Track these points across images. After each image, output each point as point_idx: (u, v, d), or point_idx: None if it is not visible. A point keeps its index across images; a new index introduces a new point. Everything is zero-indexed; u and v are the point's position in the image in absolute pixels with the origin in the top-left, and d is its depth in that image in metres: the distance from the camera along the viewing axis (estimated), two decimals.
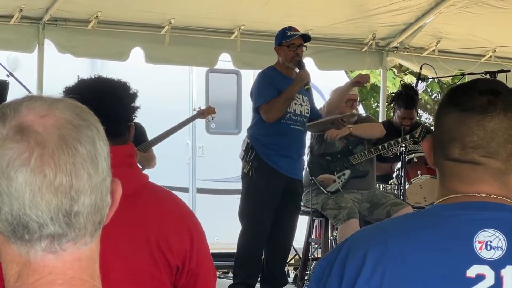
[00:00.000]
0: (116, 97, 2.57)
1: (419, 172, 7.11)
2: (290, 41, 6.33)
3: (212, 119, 7.98)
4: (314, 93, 7.23)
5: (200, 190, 9.34)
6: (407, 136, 6.97)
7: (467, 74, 8.09)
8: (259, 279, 6.68)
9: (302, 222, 7.00)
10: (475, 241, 1.60)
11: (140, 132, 6.41)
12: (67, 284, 1.11)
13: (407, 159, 7.03)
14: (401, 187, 6.98)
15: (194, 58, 8.08)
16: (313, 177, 6.66)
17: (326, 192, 6.61)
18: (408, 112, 7.17)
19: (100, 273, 2.38)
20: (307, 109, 6.44)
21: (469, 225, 1.62)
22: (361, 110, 7.73)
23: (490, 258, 1.59)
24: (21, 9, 6.99)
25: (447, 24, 8.34)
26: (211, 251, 2.64)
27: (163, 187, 2.67)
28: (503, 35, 8.44)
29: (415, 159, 7.13)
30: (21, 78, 6.48)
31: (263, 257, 6.49)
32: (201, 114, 7.80)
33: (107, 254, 2.36)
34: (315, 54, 8.24)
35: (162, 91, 9.05)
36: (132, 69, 7.66)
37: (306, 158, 6.86)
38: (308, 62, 8.24)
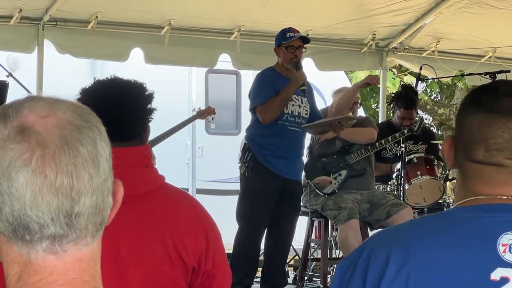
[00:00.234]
0: (133, 99, 2.56)
1: (419, 172, 7.10)
2: (289, 43, 6.33)
3: (212, 119, 7.98)
4: (314, 94, 7.22)
5: (199, 191, 9.33)
6: (405, 131, 6.96)
7: (467, 75, 8.10)
8: (259, 279, 6.69)
9: (302, 223, 7.00)
10: (499, 244, 1.59)
11: None
12: (68, 285, 1.11)
13: (407, 160, 7.03)
14: (401, 188, 6.98)
15: (193, 59, 8.07)
16: (309, 180, 6.66)
17: (322, 194, 6.61)
18: (408, 112, 7.16)
19: (117, 272, 2.40)
20: (306, 110, 6.43)
21: (493, 228, 1.61)
22: (361, 111, 7.72)
23: None
24: (20, 10, 6.99)
25: (447, 25, 8.34)
26: None
27: None
28: (503, 35, 8.44)
29: (415, 160, 7.12)
30: (20, 78, 6.48)
31: (262, 257, 6.50)
32: (201, 114, 7.80)
33: (123, 254, 2.38)
34: (315, 55, 8.24)
35: (162, 92, 8.99)
36: (132, 69, 7.64)
37: (306, 159, 6.87)
38: (308, 63, 8.25)
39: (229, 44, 7.86)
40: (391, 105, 7.45)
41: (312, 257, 7.04)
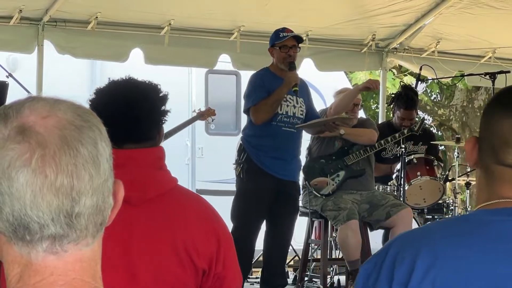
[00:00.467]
0: (148, 100, 2.56)
1: (418, 173, 7.10)
2: (282, 43, 6.33)
3: (212, 121, 7.98)
4: (314, 94, 7.23)
5: (199, 191, 9.34)
6: (405, 131, 6.96)
7: (467, 75, 8.10)
8: (258, 280, 6.69)
9: (302, 224, 7.00)
10: None
11: None
12: (69, 285, 1.11)
13: (406, 160, 7.03)
14: (401, 188, 6.98)
15: (193, 59, 8.08)
16: (307, 182, 6.67)
17: (319, 195, 6.61)
18: (408, 113, 7.16)
19: (127, 274, 2.40)
20: (301, 110, 6.42)
21: None
22: (361, 111, 7.71)
23: None
24: (20, 10, 6.99)
25: (447, 25, 8.34)
26: None
27: None
28: (502, 36, 8.44)
29: (415, 160, 7.12)
30: (20, 79, 6.48)
31: (261, 258, 6.50)
32: (201, 116, 7.81)
33: (134, 254, 2.38)
34: (315, 55, 8.24)
35: None
36: (132, 70, 7.64)
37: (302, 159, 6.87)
38: (308, 63, 8.26)
39: (229, 44, 7.86)
40: (391, 106, 7.45)
41: (312, 257, 7.04)
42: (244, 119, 7.02)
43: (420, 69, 7.61)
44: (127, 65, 7.54)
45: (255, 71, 6.60)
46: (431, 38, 8.55)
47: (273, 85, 6.27)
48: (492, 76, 7.15)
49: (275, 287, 6.46)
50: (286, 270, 7.16)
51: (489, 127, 1.68)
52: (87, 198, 1.10)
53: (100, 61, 9.09)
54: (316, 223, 7.11)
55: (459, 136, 8.07)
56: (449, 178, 7.66)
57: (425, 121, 7.55)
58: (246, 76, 9.56)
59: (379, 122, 8.28)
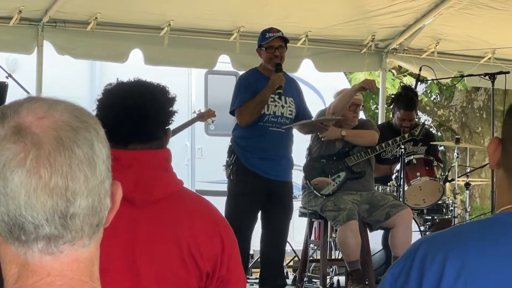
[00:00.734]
0: (156, 101, 2.56)
1: (418, 173, 7.10)
2: (268, 43, 6.34)
3: (212, 122, 7.99)
4: (313, 95, 7.23)
5: (199, 192, 9.32)
6: (406, 135, 6.96)
7: (466, 76, 8.10)
8: (257, 280, 6.69)
9: (301, 224, 7.00)
10: None
11: None
12: (67, 285, 1.12)
13: (406, 161, 7.03)
14: (400, 189, 6.98)
15: (193, 60, 8.08)
16: (307, 181, 6.67)
17: (320, 195, 6.61)
18: (408, 113, 7.16)
19: (130, 274, 2.41)
20: (290, 110, 6.41)
21: None
22: (361, 112, 7.70)
23: None
24: (20, 11, 6.99)
25: (446, 26, 8.34)
26: None
27: None
28: (502, 36, 8.44)
29: (414, 161, 7.12)
30: (20, 79, 6.48)
31: (259, 259, 6.50)
32: (201, 117, 7.81)
33: (137, 256, 2.38)
34: (315, 56, 8.24)
35: None
36: (131, 70, 7.65)
37: (300, 159, 6.88)
38: (308, 64, 8.26)
39: (228, 45, 7.86)
40: (391, 107, 7.45)
41: (311, 258, 7.03)
42: None
43: (420, 69, 7.61)
44: (126, 66, 7.54)
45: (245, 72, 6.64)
46: (431, 39, 8.55)
47: (260, 86, 6.29)
48: (492, 76, 7.15)
49: (273, 287, 6.46)
50: (285, 271, 7.16)
51: None
52: (82, 199, 1.10)
53: (100, 62, 9.08)
54: (315, 224, 7.11)
55: (459, 136, 8.07)
56: (449, 179, 7.66)
57: (425, 124, 7.55)
58: None
59: (379, 123, 8.28)
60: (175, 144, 8.56)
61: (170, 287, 2.42)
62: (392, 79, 12.54)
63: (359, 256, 6.39)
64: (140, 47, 7.56)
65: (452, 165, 7.78)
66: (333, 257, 7.26)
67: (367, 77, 11.22)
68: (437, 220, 7.44)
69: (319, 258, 6.87)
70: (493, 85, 7.17)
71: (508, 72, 7.31)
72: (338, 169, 6.69)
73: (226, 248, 2.49)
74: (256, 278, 7.27)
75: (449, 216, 7.43)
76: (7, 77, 6.34)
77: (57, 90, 7.22)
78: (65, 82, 8.86)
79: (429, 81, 8.97)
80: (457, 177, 7.57)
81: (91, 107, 2.52)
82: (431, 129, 13.45)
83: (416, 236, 6.76)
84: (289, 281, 7.18)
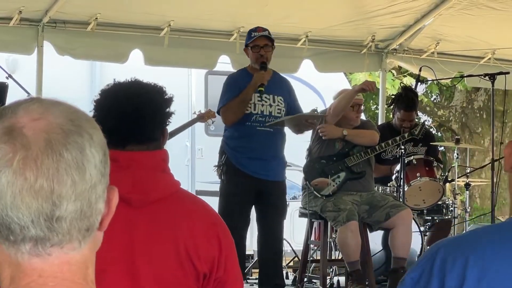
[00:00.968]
0: (153, 102, 2.55)
1: (418, 174, 7.10)
2: (253, 42, 6.35)
3: (212, 122, 7.99)
4: (314, 95, 7.23)
5: (199, 192, 9.32)
6: (406, 135, 6.96)
7: (466, 76, 8.10)
8: (256, 280, 6.69)
9: (302, 224, 7.00)
10: None
11: None
12: (60, 285, 1.12)
13: (406, 161, 7.03)
14: (400, 189, 6.98)
15: (193, 60, 8.08)
16: (307, 182, 6.67)
17: (320, 196, 6.61)
18: (408, 114, 7.16)
19: (128, 275, 2.41)
20: (279, 109, 6.39)
21: None
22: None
23: None
24: (20, 11, 6.99)
25: (446, 26, 8.34)
26: None
27: None
28: (502, 37, 8.44)
29: (414, 161, 7.12)
30: (20, 80, 6.48)
31: (257, 259, 6.51)
32: (201, 118, 7.83)
33: (134, 257, 2.38)
34: (314, 56, 8.24)
35: None
36: (131, 71, 7.65)
37: (300, 159, 6.87)
38: (307, 64, 8.26)
39: (228, 45, 7.86)
40: (391, 107, 7.44)
41: (311, 258, 7.04)
42: None
43: (420, 70, 7.61)
44: (126, 66, 7.54)
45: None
46: (431, 39, 8.55)
47: (247, 85, 6.29)
48: (492, 77, 7.15)
49: (272, 287, 6.46)
50: (285, 271, 7.16)
51: None
52: (69, 203, 1.10)
53: (100, 62, 9.08)
54: (315, 224, 7.10)
55: (459, 137, 8.08)
56: (449, 179, 7.66)
57: (425, 123, 7.55)
58: None
59: (379, 124, 8.28)
60: (175, 145, 8.59)
61: (167, 287, 2.42)
62: (392, 79, 12.54)
63: (359, 257, 6.39)
64: (140, 48, 7.57)
65: (452, 165, 7.79)
66: (333, 258, 7.26)
67: (367, 77, 11.23)
68: (437, 220, 7.44)
69: (319, 259, 6.87)
70: (493, 85, 7.18)
71: (508, 73, 7.31)
72: (338, 169, 6.69)
73: (224, 250, 2.48)
74: (256, 279, 7.27)
75: (449, 217, 7.43)
76: (7, 78, 6.34)
77: (57, 91, 7.22)
78: (65, 83, 8.86)
79: (429, 82, 8.97)
80: (457, 178, 7.57)
81: (91, 108, 2.53)
82: (431, 130, 13.45)
83: (416, 237, 6.77)
84: (289, 282, 7.18)
